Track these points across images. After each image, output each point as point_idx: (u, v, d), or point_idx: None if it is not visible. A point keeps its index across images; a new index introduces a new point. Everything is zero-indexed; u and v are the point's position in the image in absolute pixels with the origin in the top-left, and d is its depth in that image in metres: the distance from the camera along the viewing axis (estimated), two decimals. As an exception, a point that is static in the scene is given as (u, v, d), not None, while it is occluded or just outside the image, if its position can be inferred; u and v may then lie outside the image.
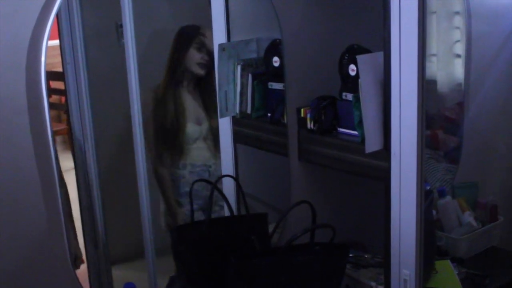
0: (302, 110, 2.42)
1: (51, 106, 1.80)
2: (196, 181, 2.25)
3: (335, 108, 2.32)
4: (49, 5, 1.75)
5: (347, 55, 2.28)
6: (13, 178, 1.78)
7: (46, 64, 1.75)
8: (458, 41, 2.70)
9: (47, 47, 1.74)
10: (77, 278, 1.91)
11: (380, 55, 2.03)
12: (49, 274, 1.88)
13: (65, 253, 1.86)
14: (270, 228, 2.23)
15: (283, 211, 2.21)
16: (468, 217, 2.66)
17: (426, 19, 1.90)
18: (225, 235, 2.12)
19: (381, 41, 1.98)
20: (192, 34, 2.63)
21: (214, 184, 2.20)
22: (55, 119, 2.02)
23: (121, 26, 2.85)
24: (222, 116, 2.49)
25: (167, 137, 2.60)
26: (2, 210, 1.78)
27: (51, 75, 1.78)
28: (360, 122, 2.14)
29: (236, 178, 2.45)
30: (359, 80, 2.14)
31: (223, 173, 2.49)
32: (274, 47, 2.52)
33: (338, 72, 2.32)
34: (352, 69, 2.24)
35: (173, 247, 2.13)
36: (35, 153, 1.79)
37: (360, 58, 2.12)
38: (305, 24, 2.43)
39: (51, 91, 1.82)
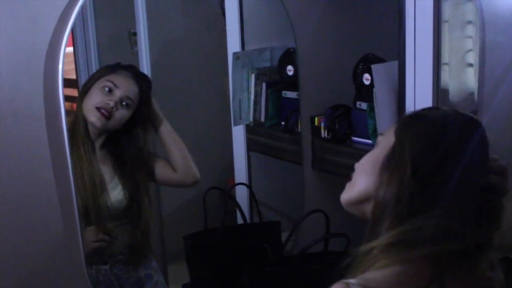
0: (316, 119, 2.42)
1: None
2: (210, 188, 2.25)
3: (349, 117, 2.32)
4: (67, 14, 1.76)
5: (361, 64, 2.29)
6: (30, 184, 1.79)
7: (63, 72, 1.76)
8: (470, 50, 2.69)
9: (64, 55, 1.75)
10: (91, 283, 1.91)
11: (394, 64, 2.03)
12: (64, 279, 1.88)
13: (80, 258, 1.86)
14: (283, 236, 2.23)
15: (296, 219, 2.21)
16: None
17: (441, 28, 1.90)
18: (238, 243, 2.12)
19: (396, 50, 1.98)
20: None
21: (228, 192, 2.20)
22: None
23: (134, 34, 2.87)
24: (236, 124, 2.50)
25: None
26: (19, 215, 1.79)
27: (64, 82, 1.78)
28: (375, 131, 2.14)
29: (249, 186, 2.45)
30: (374, 89, 2.14)
31: (237, 181, 2.50)
32: (288, 56, 2.52)
33: (353, 81, 2.32)
34: (366, 78, 2.24)
35: (186, 254, 2.13)
36: (52, 159, 1.80)
37: (374, 67, 2.12)
38: (319, 33, 2.44)
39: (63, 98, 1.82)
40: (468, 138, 1.11)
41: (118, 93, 2.04)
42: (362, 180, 1.16)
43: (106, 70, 2.09)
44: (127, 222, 2.15)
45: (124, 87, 2.06)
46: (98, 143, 2.10)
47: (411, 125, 1.13)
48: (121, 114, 2.06)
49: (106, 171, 2.12)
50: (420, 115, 1.15)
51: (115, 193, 2.12)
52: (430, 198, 1.06)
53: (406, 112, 1.20)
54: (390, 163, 1.10)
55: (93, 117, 2.02)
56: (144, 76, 2.18)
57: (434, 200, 1.06)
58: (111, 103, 2.02)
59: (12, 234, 1.79)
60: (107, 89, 2.03)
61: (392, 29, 2.00)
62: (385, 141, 1.14)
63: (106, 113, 2.02)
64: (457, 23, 2.58)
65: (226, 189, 2.34)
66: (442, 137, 1.09)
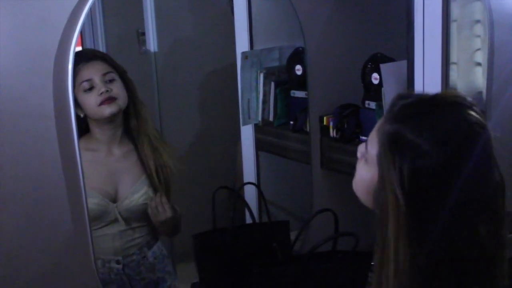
0: (324, 118, 2.42)
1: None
2: (219, 188, 2.26)
3: (357, 117, 2.32)
4: (76, 14, 1.77)
5: (370, 63, 2.28)
6: (40, 183, 1.80)
7: (72, 72, 1.77)
8: (479, 49, 2.68)
9: (74, 54, 1.76)
10: (100, 282, 1.92)
11: (403, 63, 2.02)
12: (73, 278, 1.89)
13: (90, 257, 1.87)
14: (292, 235, 2.23)
15: (305, 219, 2.21)
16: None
17: (450, 27, 1.90)
18: (247, 242, 2.12)
19: (405, 50, 1.98)
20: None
21: (237, 192, 2.21)
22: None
23: (142, 34, 2.88)
24: (244, 124, 2.50)
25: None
26: (28, 214, 1.80)
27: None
28: (383, 130, 2.14)
29: (258, 186, 2.45)
30: (382, 89, 2.14)
31: (245, 180, 2.50)
32: (297, 56, 2.52)
33: (361, 81, 2.32)
34: (375, 78, 2.24)
35: (195, 254, 2.13)
36: (61, 158, 1.81)
37: (383, 66, 2.12)
38: (328, 32, 2.44)
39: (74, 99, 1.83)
40: (471, 156, 1.02)
41: (96, 80, 2.05)
42: (362, 197, 1.18)
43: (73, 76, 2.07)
44: (146, 224, 2.19)
45: (93, 71, 2.06)
46: (116, 143, 2.14)
47: (391, 158, 1.05)
48: (116, 88, 2.08)
49: (126, 174, 2.16)
50: (403, 139, 1.04)
51: (138, 196, 2.14)
52: (429, 228, 1.02)
53: (386, 115, 1.11)
54: (381, 202, 1.07)
55: (105, 111, 2.05)
56: (94, 50, 2.20)
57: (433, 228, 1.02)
58: (103, 89, 2.04)
59: (21, 233, 1.80)
60: (86, 87, 2.04)
61: (401, 29, 2.00)
62: (373, 165, 1.10)
63: (110, 99, 2.05)
64: (465, 22, 2.57)
65: (235, 189, 2.33)
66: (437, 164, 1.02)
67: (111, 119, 2.09)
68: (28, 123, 1.75)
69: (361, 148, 1.17)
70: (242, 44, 2.46)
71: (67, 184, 1.81)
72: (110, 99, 2.05)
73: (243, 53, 2.43)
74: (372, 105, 2.25)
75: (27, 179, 1.78)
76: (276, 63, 2.59)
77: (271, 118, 2.57)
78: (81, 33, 2.49)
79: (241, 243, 2.12)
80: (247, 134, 2.54)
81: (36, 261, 1.83)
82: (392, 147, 1.06)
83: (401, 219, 1.03)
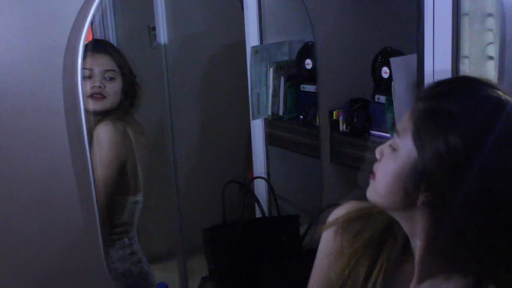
0: (334, 112, 2.42)
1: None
2: (228, 182, 2.26)
3: (367, 111, 2.32)
4: (86, 9, 1.77)
5: (380, 57, 2.28)
6: (49, 179, 1.80)
7: (82, 67, 1.77)
8: (491, 43, 2.67)
9: (84, 50, 1.76)
10: (111, 279, 1.93)
11: (413, 57, 2.01)
12: (84, 275, 1.90)
13: (100, 254, 1.87)
14: (302, 230, 2.23)
15: (314, 213, 2.21)
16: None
17: (460, 20, 1.89)
18: (257, 236, 2.12)
19: (415, 44, 1.97)
20: None
21: (247, 186, 2.20)
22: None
23: (153, 28, 2.88)
24: (254, 118, 2.50)
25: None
26: (38, 211, 1.80)
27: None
28: (393, 125, 2.13)
29: (268, 180, 2.45)
30: (392, 83, 2.13)
31: (255, 175, 2.50)
32: (307, 50, 2.52)
33: (371, 75, 2.31)
34: (385, 72, 2.23)
35: (205, 248, 2.14)
36: (71, 154, 1.81)
37: (393, 60, 2.11)
38: (338, 26, 2.43)
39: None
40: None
41: (96, 72, 2.06)
42: (387, 194, 1.10)
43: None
44: None
45: (97, 64, 2.07)
46: None
47: (431, 130, 1.02)
48: (112, 87, 2.08)
49: None
50: (442, 111, 1.02)
51: None
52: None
53: (423, 101, 1.06)
54: (416, 189, 1.04)
55: (89, 105, 2.03)
56: (108, 44, 2.17)
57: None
58: (96, 84, 2.05)
59: (31, 230, 1.81)
60: (85, 75, 2.04)
61: (411, 22, 1.99)
62: (405, 149, 1.06)
63: (99, 95, 2.06)
64: (477, 15, 2.55)
65: (245, 183, 2.34)
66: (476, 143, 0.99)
67: (97, 112, 2.08)
68: (38, 119, 1.76)
69: (381, 147, 1.15)
70: (252, 38, 2.46)
71: (77, 181, 1.81)
72: (99, 96, 2.06)
73: (253, 47, 2.43)
74: (382, 99, 2.24)
75: (36, 175, 1.78)
76: (285, 57, 2.58)
77: (281, 113, 2.57)
78: (92, 28, 2.50)
79: (251, 237, 2.12)
80: (257, 128, 2.54)
81: (45, 258, 1.84)
82: (430, 121, 1.03)
83: (450, 187, 1.01)
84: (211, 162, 2.90)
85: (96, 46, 2.11)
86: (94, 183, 1.82)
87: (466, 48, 2.30)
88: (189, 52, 2.92)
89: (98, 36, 2.60)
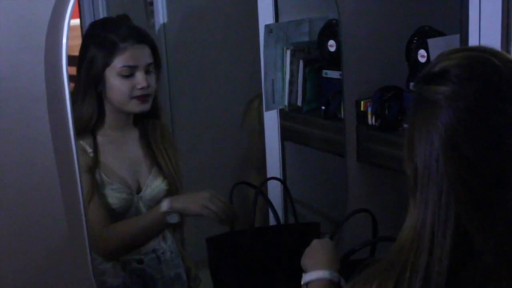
0: (362, 103, 2.41)
1: (68, 95, 1.83)
2: (238, 183, 2.26)
3: (401, 101, 2.31)
4: (72, -21, 1.77)
5: (416, 38, 2.27)
6: (29, 176, 1.80)
7: (68, 47, 1.77)
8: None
9: (69, 27, 1.76)
10: (96, 285, 1.94)
11: (455, 38, 2.01)
12: (68, 281, 1.91)
13: (86, 260, 1.88)
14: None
15: (338, 220, 2.21)
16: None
17: (511, -4, 1.88)
18: (270, 247, 2.12)
19: (457, 22, 1.96)
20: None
21: (259, 189, 2.20)
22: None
23: (151, 3, 2.89)
24: (268, 109, 2.50)
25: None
26: (18, 211, 1.81)
27: (69, 60, 1.80)
28: (431, 117, 2.12)
29: (283, 182, 2.45)
30: (430, 68, 2.12)
31: (269, 175, 2.50)
32: (330, 29, 2.52)
33: (405, 59, 2.31)
34: (421, 55, 2.23)
35: (210, 260, 2.14)
36: (54, 147, 1.81)
37: (431, 42, 2.11)
38: (366, 1, 2.43)
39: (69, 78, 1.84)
40: None
41: (140, 69, 2.08)
42: None
43: (108, 50, 2.08)
44: None
45: (140, 58, 2.09)
46: (128, 130, 2.20)
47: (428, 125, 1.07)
48: (153, 83, 2.12)
49: (142, 162, 2.22)
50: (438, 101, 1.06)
51: (154, 187, 2.20)
52: None
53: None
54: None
55: (134, 107, 2.10)
56: (141, 30, 2.19)
57: None
58: (144, 84, 2.08)
59: (8, 233, 1.81)
60: (125, 73, 2.06)
61: (453, -3, 1.99)
62: None
63: (145, 98, 2.10)
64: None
65: (256, 185, 2.34)
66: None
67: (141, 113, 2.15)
68: (16, 106, 1.76)
69: None
70: (265, 15, 2.45)
71: (60, 178, 1.82)
72: (145, 96, 2.10)
73: (266, 26, 2.43)
74: (418, 87, 2.23)
75: (17, 170, 1.79)
76: (305, 38, 2.58)
77: (299, 103, 2.57)
78: (79, 2, 2.50)
79: (263, 248, 2.12)
80: (271, 121, 2.54)
81: (26, 265, 1.84)
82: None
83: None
84: (215, 159, 2.91)
85: (136, 35, 2.12)
86: (81, 183, 1.82)
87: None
88: (192, 31, 2.92)
89: (86, 11, 2.60)
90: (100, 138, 2.12)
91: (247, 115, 2.82)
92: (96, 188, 2.08)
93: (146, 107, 2.12)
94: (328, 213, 2.61)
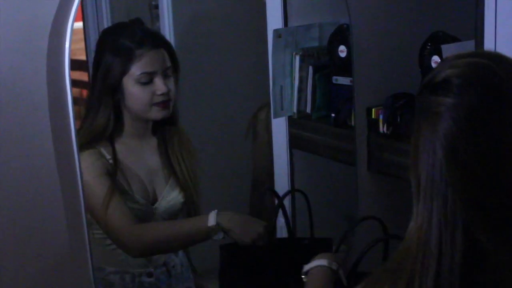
0: (373, 110, 2.40)
1: (71, 100, 1.83)
2: (267, 190, 2.27)
3: (413, 109, 2.30)
4: (75, -19, 1.77)
5: (429, 44, 2.26)
6: (30, 183, 1.80)
7: (70, 51, 1.77)
8: None
9: (72, 31, 1.76)
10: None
11: (470, 44, 2.00)
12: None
13: (87, 267, 1.88)
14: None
15: (348, 231, 2.20)
16: None
17: (528, 1, 1.87)
18: (283, 258, 2.11)
19: (472, 28, 1.95)
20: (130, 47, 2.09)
21: (281, 199, 2.19)
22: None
23: (156, 7, 2.89)
24: (276, 116, 2.50)
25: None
26: (19, 218, 1.80)
27: (71, 64, 1.80)
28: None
29: (305, 193, 2.41)
30: (444, 75, 2.12)
31: (277, 184, 2.50)
32: (340, 34, 2.51)
33: (418, 65, 2.30)
34: (435, 61, 2.22)
35: (220, 268, 2.14)
36: (56, 154, 1.81)
37: (445, 48, 2.10)
38: (378, 6, 2.42)
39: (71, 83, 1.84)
40: None
41: (158, 74, 2.09)
42: None
43: (125, 58, 2.09)
44: None
45: (158, 63, 2.09)
46: (147, 138, 2.22)
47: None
48: (172, 87, 2.13)
49: (160, 172, 2.22)
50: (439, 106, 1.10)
51: (170, 198, 2.21)
52: None
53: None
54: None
55: (157, 114, 2.11)
56: (156, 33, 2.20)
57: None
58: (164, 90, 2.08)
59: (6, 239, 1.81)
60: (144, 80, 2.07)
61: (468, 1, 1.98)
62: None
63: (166, 103, 2.11)
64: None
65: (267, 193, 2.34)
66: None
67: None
68: (16, 113, 1.76)
69: None
70: (274, 19, 2.46)
71: (62, 185, 1.81)
72: (166, 102, 2.11)
73: (275, 30, 2.43)
74: (432, 94, 2.23)
75: (18, 178, 1.78)
76: (315, 43, 2.58)
77: (308, 110, 2.57)
78: (82, 5, 2.50)
79: (276, 259, 2.11)
80: (279, 128, 2.54)
81: (25, 272, 1.84)
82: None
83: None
84: (226, 164, 2.90)
85: (152, 39, 2.12)
86: (83, 190, 1.82)
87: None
88: (198, 35, 2.92)
89: (90, 14, 2.61)
90: (118, 146, 2.13)
91: (254, 127, 2.81)
92: (116, 188, 2.08)
93: (167, 113, 2.12)
94: (338, 223, 2.61)
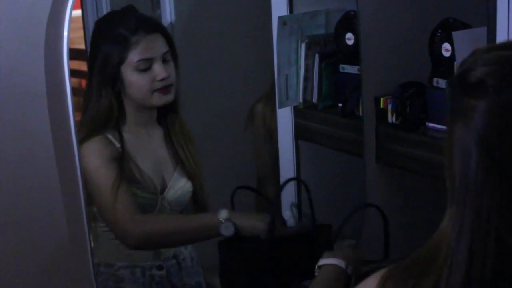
0: (381, 99, 2.40)
1: (69, 91, 1.83)
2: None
3: (423, 98, 2.30)
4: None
5: (439, 31, 2.26)
6: (29, 176, 1.81)
7: (69, 40, 1.78)
8: None
9: (70, 19, 1.77)
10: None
11: (482, 31, 2.00)
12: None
13: (88, 264, 1.89)
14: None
15: (356, 223, 2.21)
16: None
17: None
18: (285, 252, 2.12)
19: (484, 14, 1.95)
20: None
21: (280, 190, 2.20)
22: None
23: (156, -4, 2.89)
24: (281, 106, 2.50)
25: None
26: (15, 213, 1.82)
27: (70, 54, 1.80)
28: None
29: (304, 182, 2.42)
30: (455, 63, 2.12)
31: (282, 175, 2.50)
32: (348, 21, 2.51)
33: (428, 53, 2.30)
34: (446, 49, 2.22)
35: (220, 264, 2.15)
36: (55, 146, 1.82)
37: (456, 35, 2.10)
38: (387, -9, 2.42)
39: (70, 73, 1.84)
40: None
41: (157, 60, 2.11)
42: None
43: (120, 46, 2.10)
44: None
45: (155, 49, 2.11)
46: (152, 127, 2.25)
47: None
48: (172, 71, 2.16)
49: (167, 161, 2.26)
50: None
51: (178, 187, 2.23)
52: None
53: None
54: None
55: (159, 100, 2.14)
56: (150, 18, 2.22)
57: None
58: (164, 75, 2.11)
59: (7, 234, 1.82)
60: (142, 67, 2.09)
61: (479, -13, 1.98)
62: None
63: (168, 89, 2.14)
64: None
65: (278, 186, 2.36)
66: None
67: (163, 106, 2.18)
68: (14, 103, 1.76)
69: None
70: (279, 6, 2.45)
71: (61, 177, 1.82)
72: (168, 87, 2.13)
73: (280, 17, 2.43)
74: (442, 83, 2.23)
75: (13, 171, 1.79)
76: (321, 31, 2.57)
77: (314, 100, 2.56)
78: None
79: (277, 252, 2.12)
80: (284, 119, 2.54)
81: (22, 270, 1.85)
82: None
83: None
84: (229, 158, 2.91)
85: (146, 24, 2.15)
86: (82, 183, 1.83)
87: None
88: (201, 25, 2.92)
89: (88, 0, 2.61)
90: (125, 135, 2.15)
91: (252, 121, 2.81)
92: (124, 176, 2.10)
93: (170, 98, 2.15)
94: (345, 217, 2.61)
